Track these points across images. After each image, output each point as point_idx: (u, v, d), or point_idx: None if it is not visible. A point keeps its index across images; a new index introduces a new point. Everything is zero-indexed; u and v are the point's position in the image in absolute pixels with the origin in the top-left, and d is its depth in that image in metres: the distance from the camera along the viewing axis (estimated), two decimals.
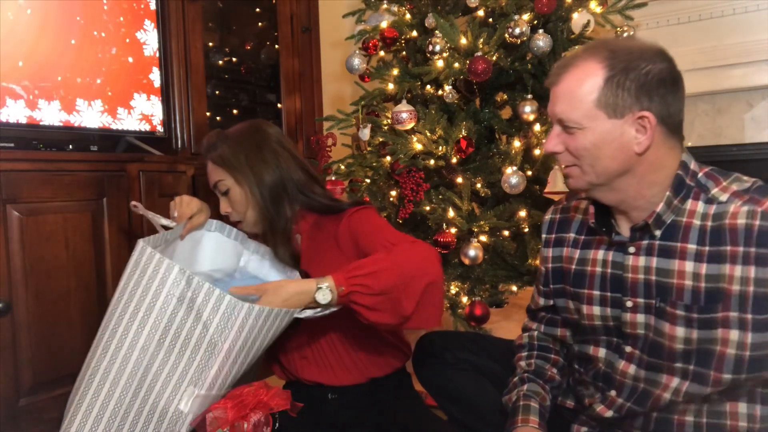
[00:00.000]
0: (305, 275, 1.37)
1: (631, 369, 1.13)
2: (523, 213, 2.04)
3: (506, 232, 2.09)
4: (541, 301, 1.33)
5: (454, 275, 2.14)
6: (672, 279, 1.06)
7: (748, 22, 2.38)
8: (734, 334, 1.01)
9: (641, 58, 1.03)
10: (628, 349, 1.14)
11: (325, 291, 1.16)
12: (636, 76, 1.02)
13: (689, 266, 1.04)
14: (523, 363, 1.31)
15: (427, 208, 2.08)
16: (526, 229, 2.08)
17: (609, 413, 1.16)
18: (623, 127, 1.04)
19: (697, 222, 1.05)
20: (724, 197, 1.04)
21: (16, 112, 1.74)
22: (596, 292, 1.17)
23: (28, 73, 1.77)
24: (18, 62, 1.74)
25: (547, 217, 1.32)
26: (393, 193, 2.19)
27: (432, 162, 2.10)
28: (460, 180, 2.07)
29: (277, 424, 1.15)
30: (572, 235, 1.24)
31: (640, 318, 1.11)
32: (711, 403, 1.08)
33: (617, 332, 1.16)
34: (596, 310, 1.17)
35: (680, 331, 1.06)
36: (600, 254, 1.17)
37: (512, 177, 1.94)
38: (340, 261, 1.33)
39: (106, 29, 1.97)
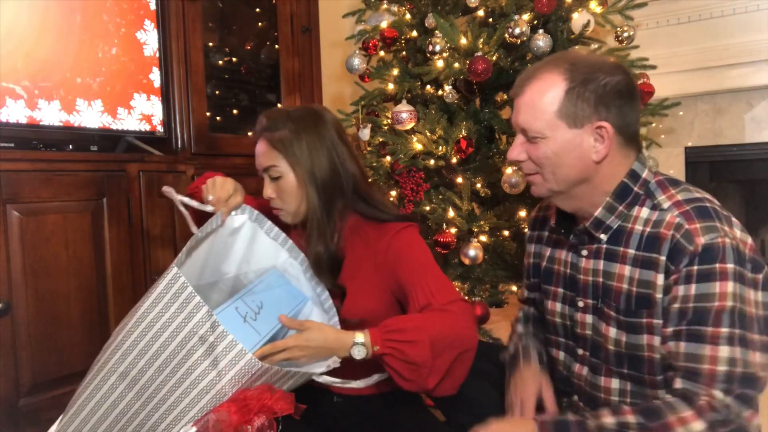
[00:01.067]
0: (338, 288, 1.34)
1: (584, 371, 1.18)
2: (523, 213, 2.04)
3: (506, 232, 2.09)
4: (526, 293, 1.40)
5: (454, 275, 2.14)
6: (613, 282, 1.11)
7: (748, 22, 2.38)
8: (658, 341, 1.05)
9: (600, 70, 1.07)
10: (580, 351, 1.19)
11: (360, 347, 1.16)
12: (595, 87, 1.06)
13: (627, 270, 1.09)
14: (519, 326, 1.39)
15: (427, 208, 2.08)
16: (526, 229, 2.08)
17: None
18: (582, 136, 1.07)
19: (639, 227, 1.09)
20: (666, 204, 1.07)
21: (16, 112, 1.74)
22: (560, 290, 1.23)
23: (28, 73, 1.77)
24: (18, 62, 1.74)
25: (532, 214, 1.38)
26: (393, 193, 2.19)
27: (432, 162, 2.10)
28: (460, 180, 2.07)
29: (279, 427, 1.14)
30: (547, 233, 1.31)
31: (588, 319, 1.16)
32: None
33: (572, 334, 1.21)
34: (558, 306, 1.24)
35: (612, 332, 1.11)
36: (563, 254, 1.23)
37: (512, 177, 1.94)
38: (373, 280, 1.31)
39: (106, 29, 1.97)
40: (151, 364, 1.09)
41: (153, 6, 2.13)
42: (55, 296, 1.69)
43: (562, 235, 1.22)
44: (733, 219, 1.06)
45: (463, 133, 2.03)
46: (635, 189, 1.10)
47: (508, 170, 1.96)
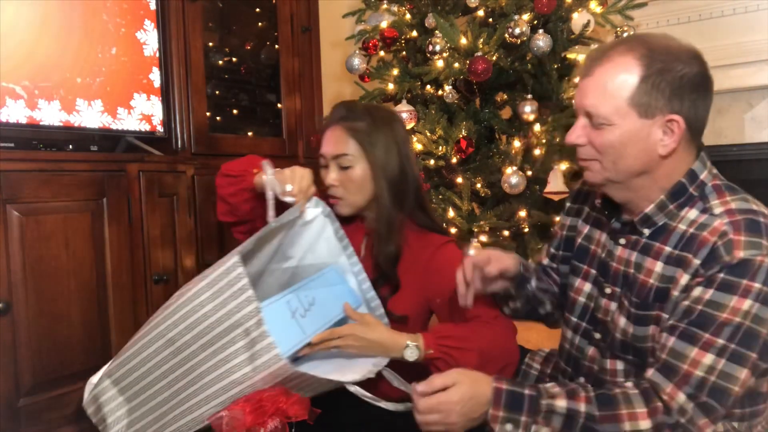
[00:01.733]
0: (394, 282, 1.36)
1: (598, 355, 1.17)
2: (523, 213, 2.04)
3: (506, 232, 2.09)
4: (545, 261, 1.36)
5: None
6: (640, 275, 1.08)
7: (748, 22, 2.38)
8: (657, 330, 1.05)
9: (678, 59, 1.02)
10: (597, 335, 1.17)
11: (413, 349, 1.18)
12: (672, 78, 1.00)
13: (658, 267, 1.05)
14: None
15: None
16: (526, 229, 2.08)
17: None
18: (652, 128, 1.02)
19: (682, 227, 1.04)
20: (718, 210, 1.02)
21: (16, 112, 1.74)
22: (592, 270, 1.20)
23: (28, 73, 1.77)
24: (18, 62, 1.74)
25: (576, 186, 1.33)
26: None
27: (432, 162, 2.10)
28: (460, 180, 2.07)
29: (293, 430, 1.14)
30: (587, 209, 1.26)
31: (612, 306, 1.14)
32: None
33: (591, 317, 1.19)
34: (587, 287, 1.21)
35: (622, 322, 1.09)
36: (602, 237, 1.19)
37: (512, 177, 1.94)
38: (412, 285, 1.34)
39: (106, 29, 1.97)
40: (197, 341, 1.09)
41: (153, 6, 2.13)
42: (55, 296, 1.69)
43: (605, 216, 1.18)
44: None
45: (463, 133, 2.03)
46: (690, 190, 1.05)
47: (508, 170, 1.96)
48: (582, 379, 1.19)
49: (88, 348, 1.76)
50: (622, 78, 1.01)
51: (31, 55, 1.77)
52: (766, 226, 0.99)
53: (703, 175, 1.07)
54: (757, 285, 0.95)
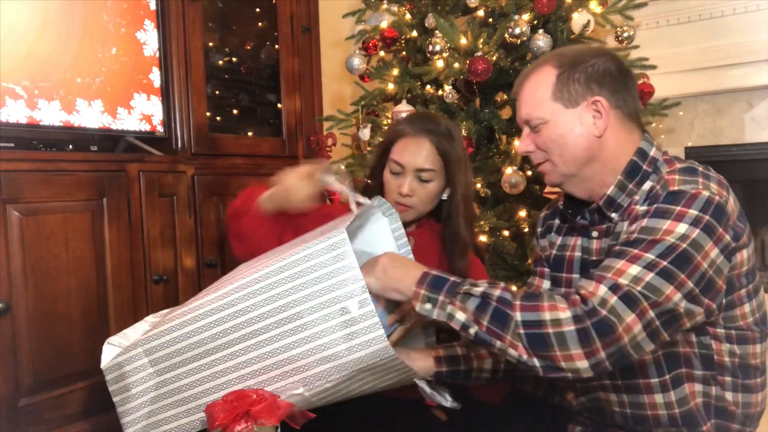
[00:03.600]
0: None
1: None
2: (523, 213, 2.04)
3: (506, 232, 2.09)
4: (544, 284, 1.35)
5: None
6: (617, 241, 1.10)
7: (748, 22, 2.38)
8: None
9: (587, 55, 1.14)
10: None
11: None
12: (583, 68, 1.11)
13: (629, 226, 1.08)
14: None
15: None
16: (526, 229, 2.08)
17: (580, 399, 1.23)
18: (580, 113, 1.11)
19: (639, 199, 1.10)
20: (666, 169, 1.09)
21: (16, 112, 1.74)
22: (574, 276, 1.23)
23: (28, 73, 1.77)
24: (18, 62, 1.74)
25: (542, 213, 1.39)
26: None
27: None
28: None
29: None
30: (557, 222, 1.32)
31: None
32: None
33: None
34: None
35: None
36: (574, 240, 1.24)
37: (512, 177, 1.94)
38: None
39: (106, 29, 1.97)
40: (275, 314, 1.04)
41: (153, 6, 2.13)
42: (55, 296, 1.69)
43: (569, 215, 1.23)
44: (731, 193, 1.05)
45: (463, 133, 2.03)
46: (644, 167, 1.12)
47: (508, 170, 1.96)
48: None
49: (88, 348, 1.76)
50: (542, 82, 1.14)
51: (31, 55, 1.77)
52: (703, 173, 1.05)
53: (653, 152, 1.13)
54: (693, 211, 0.98)
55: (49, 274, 1.68)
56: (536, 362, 0.93)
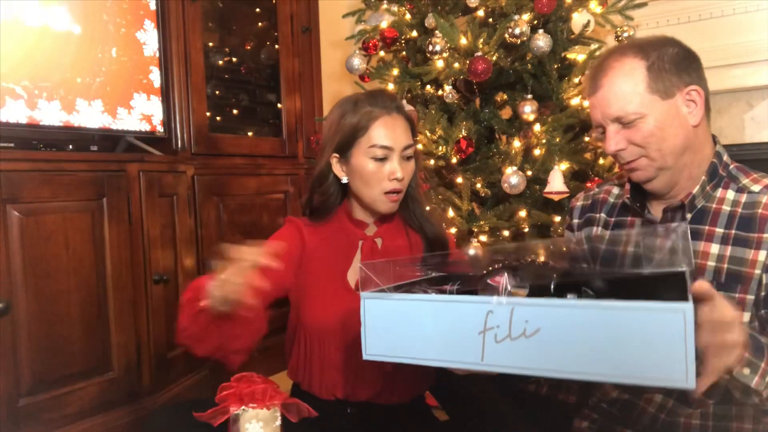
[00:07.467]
0: None
1: None
2: (523, 213, 2.04)
3: (506, 232, 2.09)
4: None
5: None
6: (697, 259, 1.11)
7: (748, 22, 2.38)
8: (747, 316, 1.06)
9: (662, 44, 1.12)
10: None
11: None
12: (669, 58, 1.10)
13: (714, 248, 1.10)
14: None
15: (427, 208, 2.08)
16: (526, 229, 2.08)
17: (616, 392, 1.20)
18: (676, 104, 1.11)
19: (726, 208, 1.11)
20: (756, 188, 1.12)
21: (16, 112, 1.74)
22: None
23: (28, 73, 1.76)
24: (18, 62, 1.74)
25: (578, 203, 1.35)
26: None
27: (432, 162, 2.10)
28: (460, 180, 2.07)
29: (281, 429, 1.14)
30: (603, 216, 1.29)
31: None
32: (717, 406, 1.09)
33: None
34: None
35: None
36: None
37: (512, 177, 1.94)
38: None
39: (105, 29, 1.97)
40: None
41: (153, 6, 2.13)
42: (55, 296, 1.69)
43: (637, 210, 1.20)
44: None
45: (463, 133, 2.03)
46: (720, 171, 1.14)
47: (508, 170, 1.96)
48: None
49: (88, 348, 1.76)
50: (631, 75, 1.10)
51: (31, 55, 1.77)
52: None
53: (725, 158, 1.17)
54: None
55: (49, 274, 1.68)
56: None
